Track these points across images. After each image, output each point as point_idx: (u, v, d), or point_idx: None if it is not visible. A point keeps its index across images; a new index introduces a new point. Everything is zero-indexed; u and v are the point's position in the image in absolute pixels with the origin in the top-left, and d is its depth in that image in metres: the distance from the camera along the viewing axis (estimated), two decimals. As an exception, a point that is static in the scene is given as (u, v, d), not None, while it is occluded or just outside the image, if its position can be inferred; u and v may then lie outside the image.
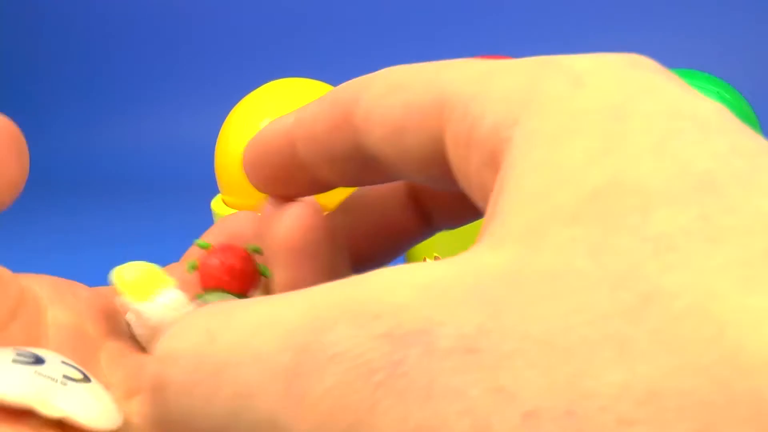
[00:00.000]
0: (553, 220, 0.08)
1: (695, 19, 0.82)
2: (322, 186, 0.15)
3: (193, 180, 0.76)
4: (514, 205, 0.09)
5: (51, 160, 0.96)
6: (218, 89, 0.95)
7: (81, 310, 0.14)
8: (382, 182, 0.15)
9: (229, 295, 0.16)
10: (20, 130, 0.15)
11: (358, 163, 0.14)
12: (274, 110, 0.37)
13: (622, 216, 0.08)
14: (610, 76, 0.10)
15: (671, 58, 0.79)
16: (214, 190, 0.51)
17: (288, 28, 0.94)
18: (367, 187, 0.16)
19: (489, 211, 0.10)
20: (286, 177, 0.15)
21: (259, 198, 0.16)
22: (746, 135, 0.09)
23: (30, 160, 0.16)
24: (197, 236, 0.17)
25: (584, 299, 0.07)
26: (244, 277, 0.16)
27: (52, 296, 0.14)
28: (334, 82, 0.42)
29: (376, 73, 0.13)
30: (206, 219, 0.41)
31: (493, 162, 0.10)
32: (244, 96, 0.40)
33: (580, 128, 0.09)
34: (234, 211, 0.35)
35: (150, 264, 0.15)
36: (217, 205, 0.37)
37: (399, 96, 0.12)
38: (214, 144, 0.41)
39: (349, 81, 0.13)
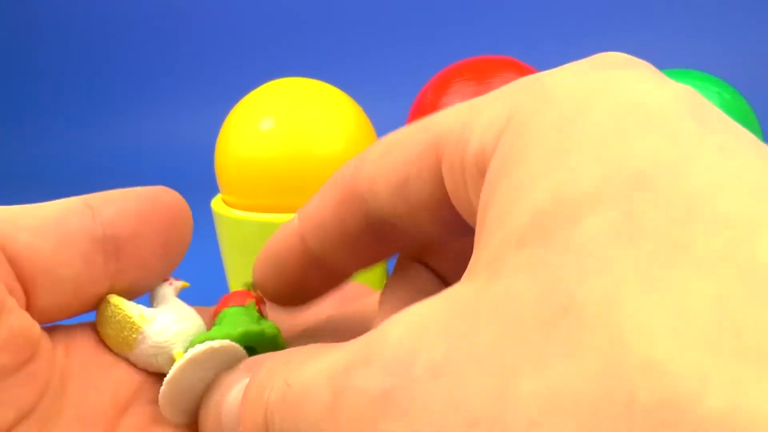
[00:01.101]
0: (507, 246, 0.09)
1: (695, 19, 0.82)
2: (338, 277, 0.15)
3: (193, 180, 0.76)
4: (482, 235, 0.10)
5: (51, 160, 0.96)
6: (218, 89, 0.95)
7: (103, 388, 0.14)
8: (395, 251, 0.15)
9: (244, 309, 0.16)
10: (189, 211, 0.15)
11: (371, 237, 0.14)
12: (274, 110, 0.37)
13: (557, 230, 0.09)
14: (570, 85, 0.10)
15: (671, 58, 0.79)
16: (214, 190, 0.51)
17: (288, 28, 0.94)
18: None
19: (477, 237, 0.10)
20: (301, 278, 0.15)
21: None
22: (698, 120, 0.09)
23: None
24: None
25: (516, 319, 0.08)
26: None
27: (80, 372, 0.14)
28: (334, 82, 0.42)
29: (371, 145, 0.14)
30: (206, 219, 0.41)
31: (481, 185, 0.11)
32: (244, 96, 0.40)
33: (535, 146, 0.10)
34: (234, 210, 0.35)
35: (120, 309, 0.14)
36: (217, 205, 0.37)
37: (397, 151, 0.13)
38: (214, 144, 0.41)
39: (344, 163, 0.14)
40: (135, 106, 0.99)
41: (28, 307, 0.13)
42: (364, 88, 0.86)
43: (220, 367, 0.14)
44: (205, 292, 0.32)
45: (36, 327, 0.13)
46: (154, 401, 0.14)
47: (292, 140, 0.36)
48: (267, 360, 0.13)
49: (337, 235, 0.14)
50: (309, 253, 0.15)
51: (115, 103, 1.00)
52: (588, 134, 0.09)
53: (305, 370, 0.11)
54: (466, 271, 0.10)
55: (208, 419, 0.13)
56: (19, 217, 0.13)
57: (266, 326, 0.15)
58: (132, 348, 0.14)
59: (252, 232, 0.34)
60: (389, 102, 0.77)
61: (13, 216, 0.13)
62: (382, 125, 0.49)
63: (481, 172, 0.11)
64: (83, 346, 0.14)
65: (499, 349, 0.08)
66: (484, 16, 0.88)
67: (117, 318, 0.14)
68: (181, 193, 0.16)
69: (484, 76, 0.43)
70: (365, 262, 0.15)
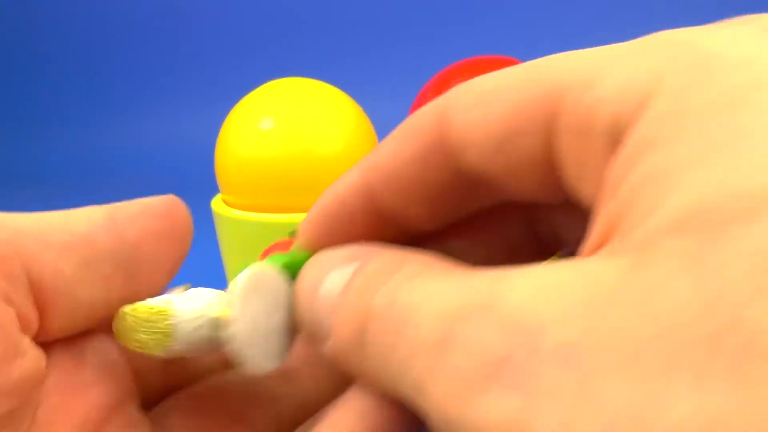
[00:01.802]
0: (660, 232, 0.08)
1: (695, 20, 0.82)
2: (406, 236, 0.14)
3: (193, 180, 0.76)
4: (628, 215, 0.09)
5: (51, 159, 0.96)
6: (218, 89, 0.95)
7: (75, 413, 0.13)
8: (479, 207, 0.14)
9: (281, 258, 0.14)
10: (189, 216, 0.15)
11: (455, 192, 0.13)
12: (274, 110, 0.37)
13: (724, 225, 0.08)
14: (742, 55, 0.09)
15: (671, 58, 0.79)
16: (214, 190, 0.51)
17: (288, 28, 0.94)
18: None
19: (604, 206, 0.10)
20: (362, 237, 0.14)
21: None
22: None
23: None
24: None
25: (674, 321, 0.07)
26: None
27: (53, 394, 0.13)
28: (334, 82, 0.42)
29: (454, 89, 0.12)
30: (206, 218, 0.41)
31: (610, 150, 0.10)
32: (244, 96, 0.40)
33: (698, 127, 0.09)
34: (234, 210, 0.35)
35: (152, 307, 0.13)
36: (217, 204, 0.37)
37: (500, 100, 0.11)
38: (214, 144, 0.41)
39: (420, 109, 0.13)
40: (135, 106, 0.99)
41: (38, 331, 0.12)
42: (364, 88, 0.86)
43: (274, 301, 0.13)
44: (205, 292, 0.32)
45: (43, 361, 0.12)
46: (129, 425, 0.13)
47: (292, 140, 0.36)
48: (377, 255, 0.12)
49: (416, 188, 0.13)
50: (376, 208, 0.13)
51: (115, 103, 1.00)
52: (760, 121, 0.08)
53: (415, 290, 0.10)
54: (602, 248, 0.09)
55: (301, 299, 0.13)
56: (47, 232, 0.13)
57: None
58: (173, 336, 0.13)
59: (252, 232, 0.34)
60: (389, 102, 0.77)
61: (41, 231, 0.12)
62: (382, 125, 0.49)
63: (613, 139, 0.10)
64: (60, 365, 0.13)
65: (650, 350, 0.07)
66: (484, 16, 0.88)
67: (142, 318, 0.13)
68: (181, 193, 0.16)
69: (484, 76, 0.43)
70: (444, 218, 0.14)
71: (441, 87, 0.44)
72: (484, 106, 0.12)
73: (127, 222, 0.14)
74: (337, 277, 0.12)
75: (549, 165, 0.11)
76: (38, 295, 0.12)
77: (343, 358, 0.12)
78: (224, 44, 0.97)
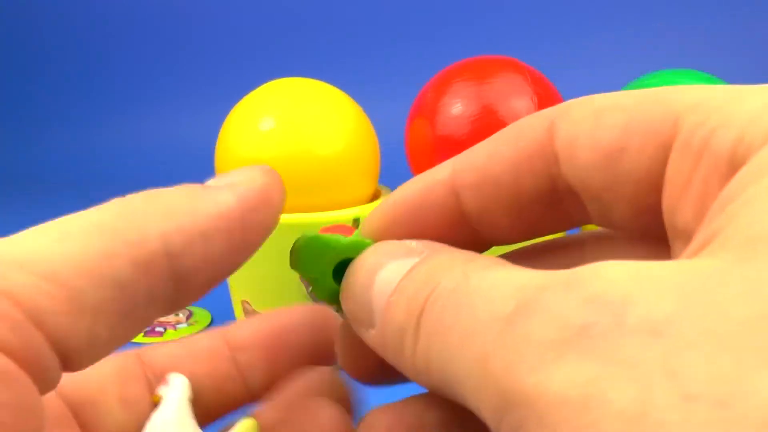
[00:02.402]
0: (763, 237, 0.08)
1: (695, 19, 0.82)
2: (481, 243, 0.14)
3: (193, 180, 0.76)
4: (732, 224, 0.09)
5: (51, 159, 0.96)
6: (218, 89, 0.95)
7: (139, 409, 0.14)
8: (563, 227, 0.13)
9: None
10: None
11: (541, 207, 0.13)
12: (274, 110, 0.37)
13: None
14: None
15: (671, 58, 0.79)
16: (214, 190, 0.51)
17: (288, 28, 0.94)
18: None
19: (709, 221, 0.10)
20: (436, 233, 0.13)
21: None
22: None
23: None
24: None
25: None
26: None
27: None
28: (334, 82, 0.42)
29: (566, 103, 0.12)
30: (206, 219, 0.41)
31: (725, 174, 0.10)
32: (244, 96, 0.40)
33: None
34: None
35: None
36: (217, 205, 0.37)
37: (614, 116, 0.11)
38: (214, 144, 0.41)
39: (524, 117, 0.13)
40: (135, 106, 0.99)
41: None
42: (364, 88, 0.86)
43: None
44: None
45: None
46: None
47: (292, 140, 0.36)
48: (445, 250, 0.12)
49: (507, 194, 0.13)
50: (457, 208, 0.13)
51: (115, 103, 1.00)
52: None
53: (489, 273, 0.10)
54: (701, 251, 0.09)
55: (356, 282, 0.13)
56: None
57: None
58: None
59: (252, 232, 0.34)
60: (389, 102, 0.77)
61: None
62: (382, 125, 0.49)
63: (732, 165, 0.10)
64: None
65: (748, 331, 0.07)
66: (484, 16, 0.88)
67: None
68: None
69: (484, 76, 0.43)
70: (521, 233, 0.13)
71: (441, 87, 0.44)
72: (597, 119, 0.12)
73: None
74: (399, 266, 0.12)
75: (652, 185, 0.11)
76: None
77: (391, 343, 0.12)
78: (224, 44, 0.97)
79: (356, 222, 0.16)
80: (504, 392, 0.09)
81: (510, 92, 0.43)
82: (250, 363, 0.16)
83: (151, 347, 0.16)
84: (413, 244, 0.13)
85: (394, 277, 0.12)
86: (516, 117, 0.41)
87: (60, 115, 1.02)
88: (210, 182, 0.14)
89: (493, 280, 0.10)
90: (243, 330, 0.16)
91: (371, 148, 0.40)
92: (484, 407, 0.09)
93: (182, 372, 0.15)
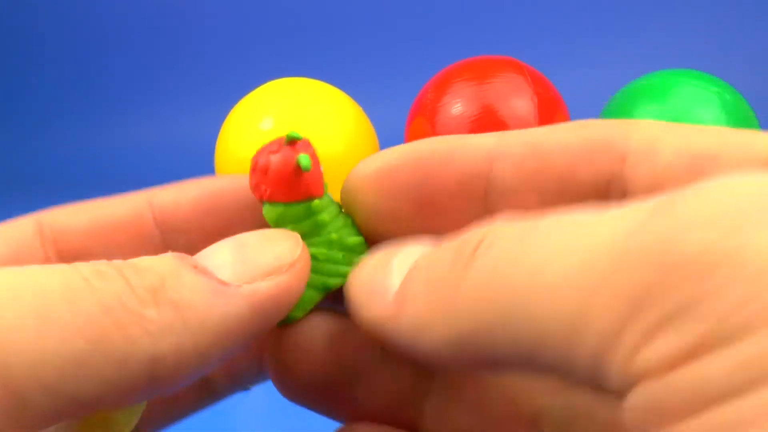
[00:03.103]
0: None
1: (695, 19, 0.82)
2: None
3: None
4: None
5: (51, 159, 0.96)
6: (218, 89, 0.95)
7: None
8: None
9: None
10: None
11: (588, 196, 0.12)
12: (274, 110, 0.37)
13: None
14: None
15: (671, 58, 0.79)
16: (214, 190, 0.51)
17: (288, 28, 0.94)
18: None
19: None
20: (445, 206, 0.13)
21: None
22: None
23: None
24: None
25: None
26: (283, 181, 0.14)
27: None
28: (334, 82, 0.42)
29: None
30: (206, 219, 0.41)
31: None
32: (244, 96, 0.40)
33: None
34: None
35: None
36: (217, 205, 0.37)
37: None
38: (214, 144, 0.41)
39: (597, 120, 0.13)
40: (135, 106, 0.99)
41: None
42: (364, 88, 0.86)
43: None
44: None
45: None
46: None
47: (292, 140, 0.36)
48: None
49: (552, 176, 0.13)
50: (484, 178, 0.13)
51: (114, 103, 1.00)
52: None
53: (569, 226, 0.10)
54: None
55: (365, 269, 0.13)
56: None
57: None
58: None
59: (252, 232, 0.34)
60: (389, 102, 0.77)
61: None
62: (382, 125, 0.49)
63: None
64: None
65: None
66: (484, 16, 0.88)
67: None
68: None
69: (484, 76, 0.43)
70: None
71: (441, 87, 0.44)
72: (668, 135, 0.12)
73: None
74: (420, 247, 0.12)
75: None
76: None
77: (426, 288, 0.11)
78: (224, 44, 0.97)
79: (290, 138, 0.14)
80: (666, 267, 0.08)
81: (510, 92, 0.43)
82: (178, 243, 0.15)
83: (61, 213, 0.15)
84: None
85: (418, 250, 0.12)
86: (516, 117, 0.41)
87: (60, 115, 1.01)
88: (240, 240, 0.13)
89: (573, 218, 0.10)
90: (169, 197, 0.15)
91: (371, 148, 0.40)
92: (589, 326, 0.09)
93: (96, 258, 0.13)
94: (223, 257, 0.13)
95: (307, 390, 0.14)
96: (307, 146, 0.14)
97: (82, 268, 0.11)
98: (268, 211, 0.14)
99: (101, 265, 0.11)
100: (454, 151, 0.13)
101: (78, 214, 0.15)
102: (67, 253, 0.15)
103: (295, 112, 0.37)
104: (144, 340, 0.11)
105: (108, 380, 0.10)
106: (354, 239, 0.14)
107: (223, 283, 0.12)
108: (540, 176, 0.13)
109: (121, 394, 0.11)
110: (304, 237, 0.14)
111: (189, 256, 0.12)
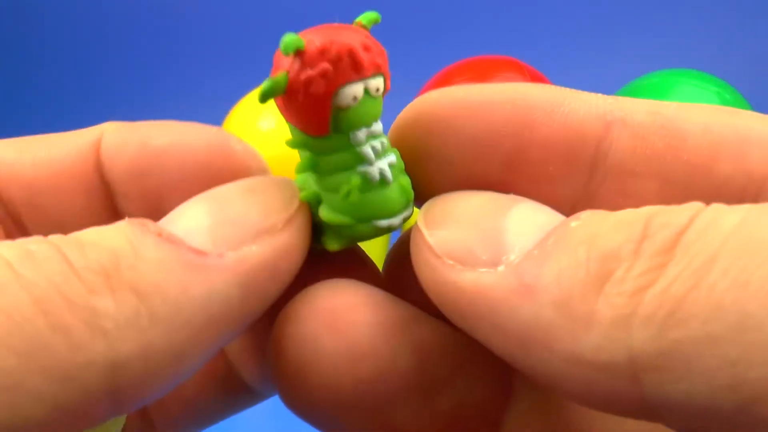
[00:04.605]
0: None
1: (695, 19, 0.82)
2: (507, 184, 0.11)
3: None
4: None
5: (51, 160, 0.96)
6: (218, 89, 0.95)
7: None
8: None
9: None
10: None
11: (701, 193, 0.11)
12: (274, 110, 0.37)
13: None
14: None
15: (671, 59, 0.79)
16: (214, 190, 0.51)
17: (288, 28, 0.94)
18: None
19: None
20: (538, 168, 0.11)
21: None
22: None
23: None
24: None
25: None
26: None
27: None
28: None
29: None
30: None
31: None
32: (244, 96, 0.40)
33: None
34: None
35: None
36: (217, 205, 0.37)
37: None
38: (214, 144, 0.41)
39: None
40: (135, 106, 0.99)
41: None
42: (364, 88, 0.86)
43: None
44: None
45: None
46: None
47: (292, 140, 0.36)
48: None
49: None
50: (532, 133, 0.11)
51: (114, 103, 1.00)
52: None
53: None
54: None
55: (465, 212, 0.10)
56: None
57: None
58: None
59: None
60: (389, 102, 0.77)
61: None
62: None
63: None
64: None
65: None
66: (484, 16, 0.88)
67: None
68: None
69: (484, 76, 0.43)
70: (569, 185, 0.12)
71: (441, 87, 0.44)
72: None
73: None
74: (543, 210, 0.10)
75: None
76: None
77: (561, 281, 0.08)
78: (224, 44, 0.97)
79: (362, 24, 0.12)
80: None
81: (510, 92, 0.43)
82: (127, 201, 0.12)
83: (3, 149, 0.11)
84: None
85: (542, 216, 0.09)
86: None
87: (60, 115, 1.01)
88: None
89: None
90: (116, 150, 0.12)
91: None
92: None
93: (40, 216, 0.10)
94: (197, 218, 0.09)
95: (327, 406, 0.10)
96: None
97: (5, 249, 0.08)
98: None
99: (32, 243, 0.08)
100: (565, 102, 0.11)
101: (22, 153, 0.12)
102: (7, 209, 0.12)
103: (295, 112, 0.37)
104: (97, 343, 0.08)
105: (53, 403, 0.07)
106: (406, 179, 0.12)
107: (200, 252, 0.09)
108: (668, 158, 0.10)
109: (73, 418, 0.08)
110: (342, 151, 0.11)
111: (151, 222, 0.09)
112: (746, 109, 0.43)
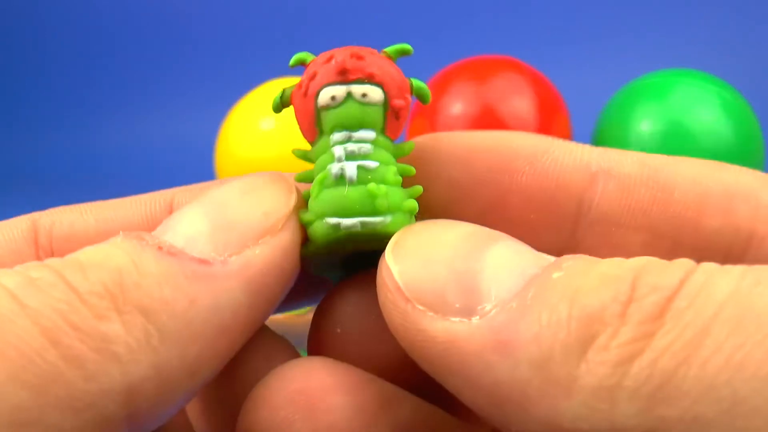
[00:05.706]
0: None
1: (695, 19, 0.82)
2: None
3: (193, 180, 0.76)
4: None
5: (51, 159, 0.96)
6: (218, 89, 0.95)
7: None
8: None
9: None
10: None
11: (687, 247, 0.11)
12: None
13: None
14: None
15: (671, 59, 0.79)
16: (214, 190, 0.51)
17: (288, 28, 0.94)
18: None
19: None
20: (520, 214, 0.11)
21: None
22: None
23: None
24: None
25: None
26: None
27: None
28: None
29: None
30: (206, 219, 0.41)
31: None
32: (244, 96, 0.40)
33: None
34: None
35: None
36: (216, 205, 0.37)
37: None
38: (214, 144, 0.41)
39: None
40: (135, 106, 0.99)
41: None
42: (364, 88, 0.86)
43: None
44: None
45: None
46: None
47: (292, 140, 0.36)
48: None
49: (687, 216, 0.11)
50: (581, 201, 0.11)
51: (114, 103, 1.00)
52: None
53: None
54: None
55: (435, 250, 0.09)
56: None
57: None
58: None
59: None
60: (389, 102, 0.77)
61: None
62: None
63: None
64: None
65: None
66: (484, 16, 0.88)
67: None
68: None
69: (484, 76, 0.43)
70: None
71: (441, 87, 0.44)
72: None
73: None
74: (524, 250, 0.09)
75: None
76: None
77: (541, 341, 0.08)
78: (224, 44, 0.97)
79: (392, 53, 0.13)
80: None
81: (510, 92, 0.43)
82: None
83: (63, 213, 0.12)
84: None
85: (521, 260, 0.08)
86: (516, 117, 0.41)
87: (60, 115, 1.01)
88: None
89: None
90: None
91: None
92: None
93: None
94: (196, 225, 0.09)
95: None
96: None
97: (6, 278, 0.08)
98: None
99: (32, 269, 0.08)
100: (549, 151, 0.11)
101: (84, 214, 0.12)
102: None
103: (295, 112, 0.37)
104: (111, 369, 0.08)
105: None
106: (395, 191, 0.11)
107: (203, 261, 0.09)
108: (655, 211, 0.10)
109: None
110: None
111: (147, 233, 0.09)
112: (746, 109, 0.43)
